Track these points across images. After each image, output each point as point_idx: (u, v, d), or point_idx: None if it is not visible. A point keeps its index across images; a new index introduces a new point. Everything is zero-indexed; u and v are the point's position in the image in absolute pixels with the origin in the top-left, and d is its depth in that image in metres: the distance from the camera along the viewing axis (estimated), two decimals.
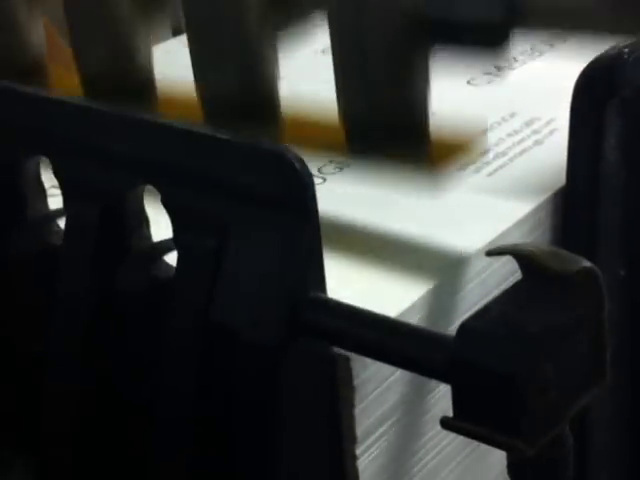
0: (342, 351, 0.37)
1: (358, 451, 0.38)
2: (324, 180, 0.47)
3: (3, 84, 0.42)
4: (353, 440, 0.38)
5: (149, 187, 0.39)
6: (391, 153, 0.39)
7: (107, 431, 0.42)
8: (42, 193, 0.43)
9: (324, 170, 0.48)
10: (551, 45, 0.57)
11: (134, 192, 0.40)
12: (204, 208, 0.38)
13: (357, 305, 0.35)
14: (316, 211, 0.36)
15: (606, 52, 0.41)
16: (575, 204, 0.43)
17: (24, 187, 0.43)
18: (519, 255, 0.33)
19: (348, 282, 0.40)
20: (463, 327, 0.32)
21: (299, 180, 0.35)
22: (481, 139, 0.37)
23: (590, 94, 0.41)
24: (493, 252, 0.34)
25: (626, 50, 0.40)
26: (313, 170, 0.47)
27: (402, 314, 0.39)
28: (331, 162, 0.49)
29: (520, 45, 0.57)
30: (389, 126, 0.38)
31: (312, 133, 0.44)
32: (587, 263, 0.32)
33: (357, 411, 0.38)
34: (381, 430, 0.39)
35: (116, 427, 0.42)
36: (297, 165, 0.35)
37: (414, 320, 0.39)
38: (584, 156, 0.42)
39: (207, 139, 0.37)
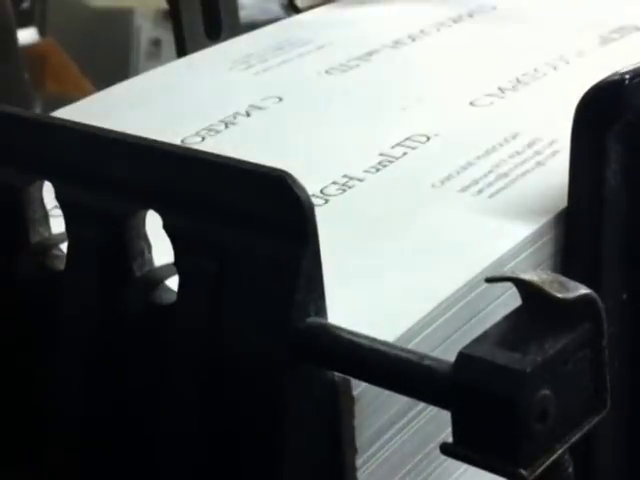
0: None
1: (358, 462, 0.38)
2: (326, 201, 0.47)
3: (5, 108, 0.43)
4: (353, 451, 0.38)
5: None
6: None
7: (111, 454, 0.42)
8: (45, 217, 0.43)
9: (326, 191, 0.48)
10: (554, 67, 0.57)
11: (135, 217, 0.40)
12: (205, 232, 0.38)
13: (357, 330, 0.36)
14: (316, 236, 0.36)
15: (607, 77, 0.41)
16: (577, 228, 0.43)
17: (27, 211, 0.43)
18: (519, 282, 0.33)
19: (347, 303, 0.40)
20: (462, 353, 0.32)
21: (299, 205, 0.35)
22: None
23: (591, 119, 0.41)
24: (492, 279, 0.34)
25: (627, 76, 0.40)
26: (315, 191, 0.48)
27: (401, 336, 0.39)
28: (334, 183, 0.49)
29: (523, 66, 0.57)
30: None
31: None
32: (587, 290, 0.32)
33: (357, 422, 0.38)
34: (381, 441, 0.39)
35: (120, 450, 0.42)
36: (297, 190, 0.35)
37: (413, 342, 0.39)
38: (586, 180, 0.42)
39: (208, 164, 0.37)
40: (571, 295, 0.32)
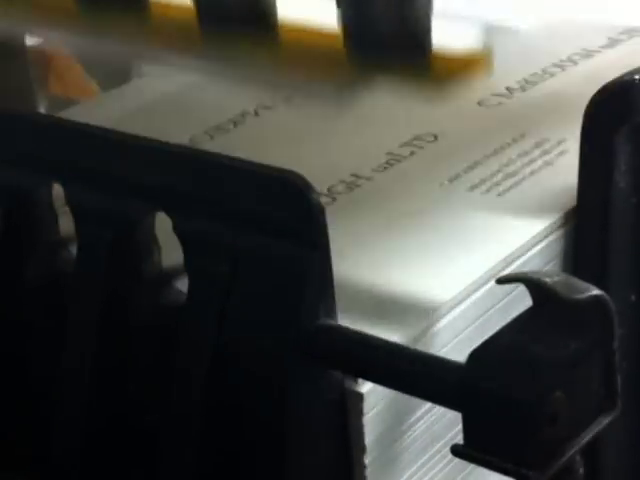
0: None
1: (367, 461, 0.38)
2: (334, 200, 0.47)
3: (17, 111, 0.43)
4: (362, 450, 0.38)
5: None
6: (391, 68, 0.37)
7: (115, 456, 0.42)
8: (54, 219, 0.43)
9: (334, 190, 0.48)
10: (562, 68, 0.57)
11: (145, 218, 0.40)
12: (215, 235, 0.38)
13: (367, 331, 0.36)
14: (326, 238, 0.36)
15: (617, 78, 0.41)
16: (586, 229, 0.43)
17: (36, 213, 0.43)
18: (529, 282, 0.33)
19: (357, 304, 0.40)
20: (473, 354, 0.32)
21: (308, 207, 0.35)
22: (487, 59, 0.36)
23: (601, 120, 0.41)
24: (503, 280, 0.34)
25: (637, 77, 0.40)
26: (322, 189, 0.48)
27: (412, 337, 0.39)
28: (341, 182, 0.49)
29: (531, 67, 0.57)
30: (390, 41, 0.36)
31: (311, 47, 0.40)
32: (597, 291, 0.32)
33: (365, 421, 0.38)
34: (390, 440, 0.39)
35: (125, 452, 0.42)
36: (306, 192, 0.35)
37: (421, 340, 0.39)
38: (595, 182, 0.42)
39: (217, 166, 0.37)
40: (582, 296, 0.32)
